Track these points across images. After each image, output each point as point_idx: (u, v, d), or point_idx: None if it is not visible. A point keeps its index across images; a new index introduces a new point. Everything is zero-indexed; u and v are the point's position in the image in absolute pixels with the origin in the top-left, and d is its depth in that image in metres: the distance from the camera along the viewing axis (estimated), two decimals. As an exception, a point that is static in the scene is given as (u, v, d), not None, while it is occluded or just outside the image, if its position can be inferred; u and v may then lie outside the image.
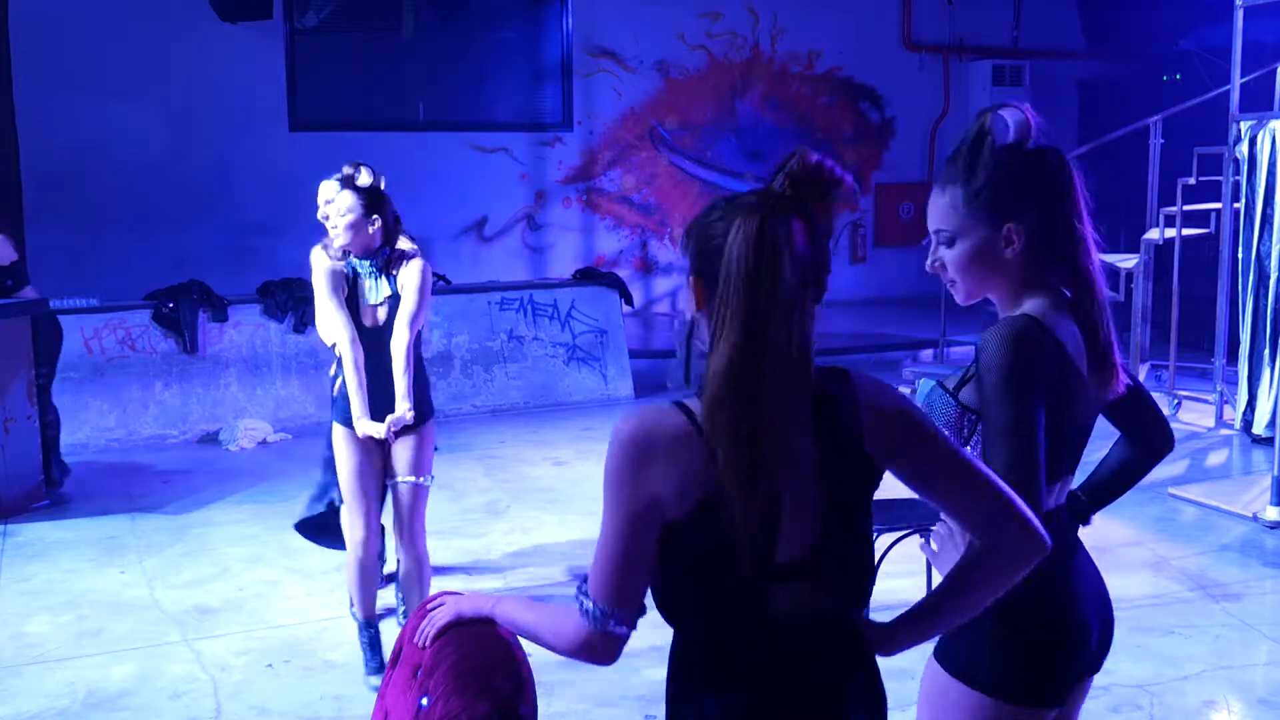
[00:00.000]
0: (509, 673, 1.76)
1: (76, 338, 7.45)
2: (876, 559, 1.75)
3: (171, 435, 7.66)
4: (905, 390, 6.96)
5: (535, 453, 7.26)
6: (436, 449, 4.22)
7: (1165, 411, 2.57)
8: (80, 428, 7.37)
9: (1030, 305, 1.93)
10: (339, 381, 3.97)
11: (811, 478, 1.56)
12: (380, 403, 3.88)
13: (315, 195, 4.53)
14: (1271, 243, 6.77)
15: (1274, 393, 6.82)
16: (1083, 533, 2.12)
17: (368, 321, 3.91)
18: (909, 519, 4.00)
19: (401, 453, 3.95)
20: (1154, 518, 5.75)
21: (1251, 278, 6.98)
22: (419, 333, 3.96)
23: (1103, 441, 2.20)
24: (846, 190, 1.59)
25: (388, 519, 4.25)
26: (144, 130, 9.93)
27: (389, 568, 4.85)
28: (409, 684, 1.83)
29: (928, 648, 1.97)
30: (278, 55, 10.41)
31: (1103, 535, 5.15)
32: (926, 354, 9.91)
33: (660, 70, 11.85)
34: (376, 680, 3.98)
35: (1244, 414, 7.19)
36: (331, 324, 3.90)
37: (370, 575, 4.07)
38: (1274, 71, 7.09)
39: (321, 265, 3.89)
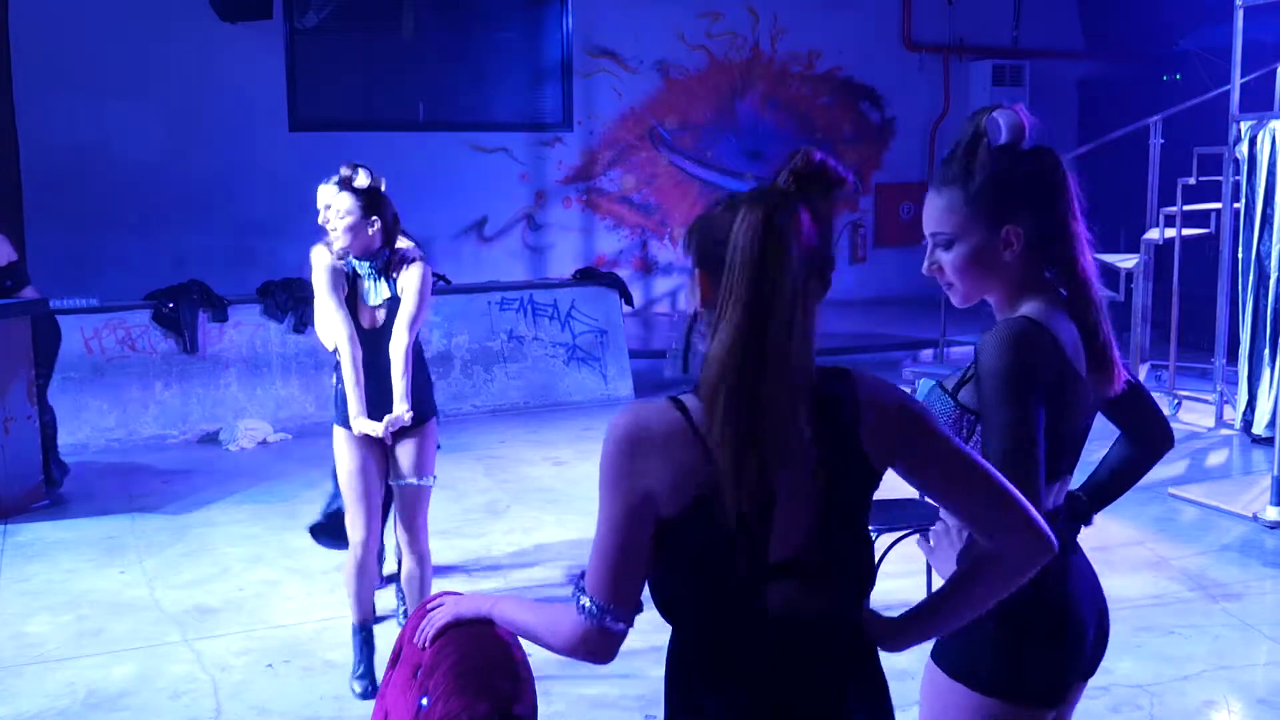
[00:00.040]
0: (509, 673, 1.76)
1: (76, 338, 7.45)
2: (877, 559, 1.74)
3: (171, 435, 7.66)
4: (905, 390, 6.95)
5: (535, 453, 7.26)
6: (439, 446, 4.22)
7: (1165, 411, 2.57)
8: (80, 428, 7.37)
9: (1028, 307, 1.93)
10: (340, 384, 3.97)
11: (809, 477, 1.56)
12: (378, 404, 3.88)
13: (315, 195, 4.52)
14: (1271, 243, 6.77)
15: (1274, 393, 6.82)
16: (1083, 533, 2.12)
17: (366, 323, 3.91)
18: (909, 519, 4.00)
19: (404, 454, 3.96)
20: (1154, 518, 5.75)
21: (1251, 278, 6.98)
22: (418, 334, 3.97)
23: (1102, 441, 2.20)
24: (848, 189, 1.60)
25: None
26: (144, 130, 9.92)
27: (389, 568, 4.85)
28: (409, 684, 1.83)
29: (927, 649, 1.97)
30: (278, 55, 10.41)
31: (1103, 535, 5.15)
32: (926, 354, 9.91)
33: (660, 70, 11.85)
34: (359, 687, 3.98)
35: (1244, 414, 7.19)
36: (330, 322, 3.90)
37: (369, 577, 4.07)
38: (1274, 71, 7.09)
39: (322, 262, 3.88)
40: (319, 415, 7.72)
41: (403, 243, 3.99)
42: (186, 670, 4.23)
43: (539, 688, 1.84)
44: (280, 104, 10.46)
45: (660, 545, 1.58)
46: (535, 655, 1.80)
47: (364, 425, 3.86)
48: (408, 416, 3.87)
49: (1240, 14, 6.76)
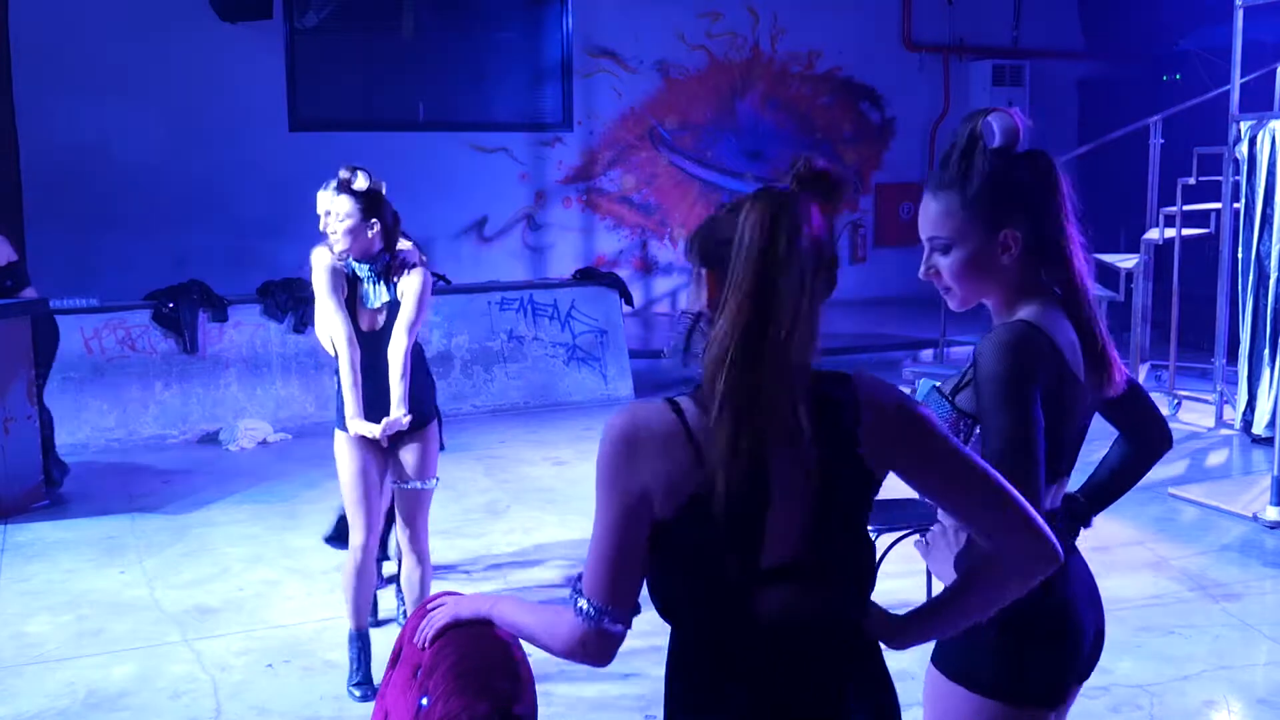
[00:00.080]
0: (509, 673, 1.76)
1: (76, 338, 7.45)
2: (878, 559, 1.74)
3: (171, 435, 7.66)
4: (905, 390, 6.95)
5: (535, 453, 7.26)
6: (444, 448, 4.22)
7: (1165, 412, 2.58)
8: (80, 428, 7.37)
9: (1026, 311, 1.92)
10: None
11: (807, 478, 1.55)
12: (376, 407, 3.88)
13: (315, 195, 4.52)
14: (1271, 243, 6.77)
15: (1274, 393, 6.82)
16: (1083, 533, 2.12)
17: (365, 325, 3.91)
18: (909, 519, 4.00)
19: (406, 457, 3.96)
20: (1154, 518, 5.75)
21: (1251, 278, 6.98)
22: (418, 336, 3.97)
23: (1101, 441, 2.20)
24: (849, 194, 1.62)
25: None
26: (144, 130, 9.92)
27: (389, 569, 4.85)
28: (409, 684, 1.83)
29: (928, 651, 1.97)
30: (278, 55, 10.40)
31: (1103, 535, 5.15)
32: (926, 354, 9.91)
33: (660, 70, 11.85)
34: (358, 693, 3.98)
35: (1244, 414, 7.19)
36: (329, 323, 3.90)
37: (367, 583, 4.07)
38: (1274, 71, 7.09)
39: (322, 263, 3.88)
40: (319, 415, 7.72)
41: (403, 244, 4.00)
42: (186, 670, 4.23)
43: (538, 688, 1.84)
44: (280, 104, 10.46)
45: (656, 547, 1.58)
46: (534, 655, 1.80)
47: (360, 427, 3.85)
48: (404, 421, 3.87)
49: (1240, 14, 6.76)
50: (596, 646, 1.61)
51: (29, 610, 4.82)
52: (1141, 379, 7.82)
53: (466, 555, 5.39)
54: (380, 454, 3.97)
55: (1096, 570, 2.09)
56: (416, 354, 4.01)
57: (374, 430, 3.84)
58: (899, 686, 1.71)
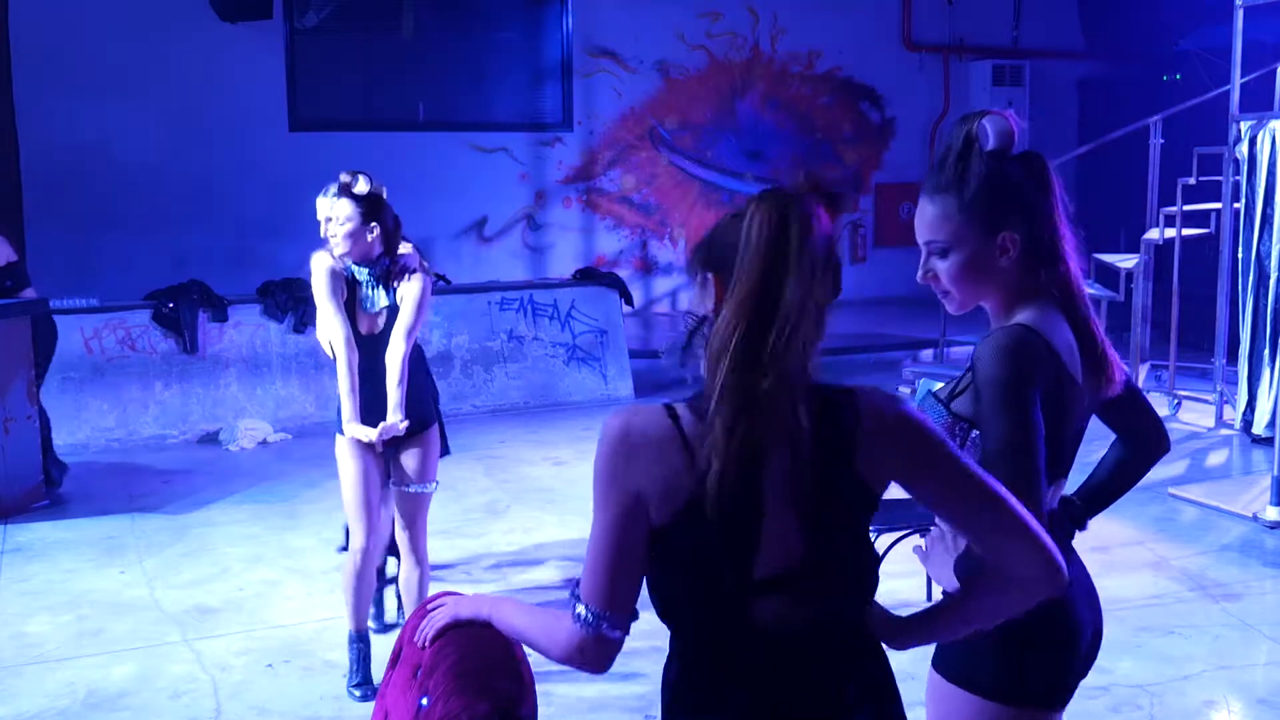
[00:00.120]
0: (509, 673, 1.76)
1: (76, 338, 7.45)
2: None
3: (171, 435, 7.66)
4: (905, 390, 6.96)
5: (535, 453, 7.26)
6: (449, 452, 4.22)
7: (1165, 412, 2.58)
8: (80, 428, 7.37)
9: (1024, 314, 1.92)
10: None
11: (805, 483, 1.55)
12: (374, 411, 3.88)
13: (315, 194, 4.52)
14: (1271, 243, 6.77)
15: (1274, 393, 6.82)
16: (1080, 534, 2.12)
17: (365, 329, 3.91)
18: (909, 519, 4.00)
19: (407, 460, 3.96)
20: (1154, 518, 5.75)
21: (1251, 278, 6.98)
22: (418, 339, 3.97)
23: (1100, 442, 2.20)
24: (848, 208, 1.63)
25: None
26: (144, 130, 9.93)
27: (390, 570, 4.85)
28: (409, 684, 1.83)
29: (929, 652, 1.97)
30: (278, 55, 10.41)
31: (1102, 535, 5.16)
32: (926, 354, 9.91)
33: (660, 70, 11.85)
34: (357, 694, 3.98)
35: (1244, 414, 7.19)
36: (329, 326, 3.90)
37: (367, 585, 4.06)
38: (1274, 71, 7.09)
39: (322, 266, 3.88)
40: (319, 415, 7.72)
41: (404, 248, 3.99)
42: (186, 670, 4.23)
43: (538, 688, 1.84)
44: (280, 104, 10.47)
45: (654, 552, 1.58)
46: (535, 656, 1.80)
47: (356, 430, 3.86)
48: (401, 426, 3.87)
49: (1240, 14, 6.76)
50: (595, 653, 1.61)
51: (29, 610, 4.82)
52: (1142, 379, 7.83)
53: (466, 555, 5.39)
54: (381, 457, 3.97)
55: (1096, 570, 2.09)
56: (417, 357, 4.01)
57: (370, 435, 3.85)
58: (900, 686, 1.71)
